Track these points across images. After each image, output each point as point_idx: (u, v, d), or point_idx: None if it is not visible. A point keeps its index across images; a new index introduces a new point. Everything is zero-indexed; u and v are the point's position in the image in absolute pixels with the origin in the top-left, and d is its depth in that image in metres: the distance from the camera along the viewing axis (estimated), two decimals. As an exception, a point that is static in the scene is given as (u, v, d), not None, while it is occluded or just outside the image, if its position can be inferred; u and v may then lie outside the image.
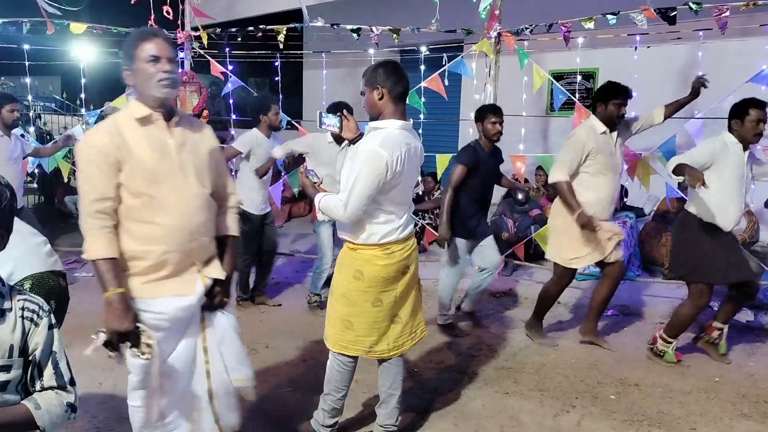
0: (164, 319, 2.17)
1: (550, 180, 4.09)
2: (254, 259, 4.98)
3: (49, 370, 1.69)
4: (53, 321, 1.72)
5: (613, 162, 4.02)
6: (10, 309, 1.66)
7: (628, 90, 4.00)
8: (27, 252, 2.20)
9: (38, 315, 1.68)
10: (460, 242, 4.39)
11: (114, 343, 2.09)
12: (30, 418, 1.60)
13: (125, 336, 2.08)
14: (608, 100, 3.95)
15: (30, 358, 1.67)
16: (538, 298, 4.37)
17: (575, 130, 4.22)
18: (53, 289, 2.26)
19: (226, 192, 2.40)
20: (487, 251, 4.43)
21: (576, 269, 4.19)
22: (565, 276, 4.19)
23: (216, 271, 2.28)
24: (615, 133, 4.03)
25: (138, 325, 2.10)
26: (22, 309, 1.67)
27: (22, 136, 5.24)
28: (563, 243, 4.12)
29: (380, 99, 2.64)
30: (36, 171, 6.54)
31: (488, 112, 4.33)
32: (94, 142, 2.07)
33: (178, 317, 2.20)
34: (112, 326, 2.07)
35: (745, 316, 4.87)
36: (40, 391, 1.68)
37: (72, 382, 1.74)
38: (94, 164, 2.05)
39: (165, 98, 2.12)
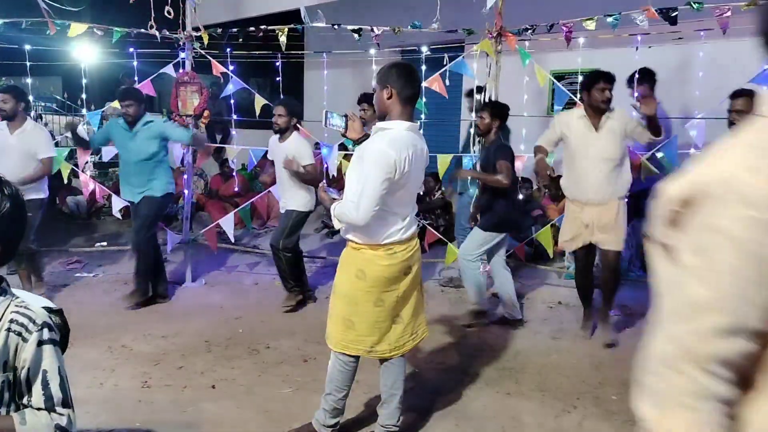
0: None
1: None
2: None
3: (37, 390, 1.57)
4: (46, 336, 1.58)
5: (589, 147, 4.10)
6: None
7: (610, 74, 4.12)
8: None
9: (27, 329, 1.55)
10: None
11: None
12: (13, 431, 1.53)
13: None
14: (591, 87, 4.06)
15: (17, 375, 1.56)
16: None
17: None
18: None
19: None
20: None
21: (582, 254, 4.32)
22: (577, 260, 4.43)
23: None
24: (605, 120, 4.08)
25: None
26: (11, 322, 1.55)
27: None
28: (563, 226, 4.40)
29: (389, 99, 2.64)
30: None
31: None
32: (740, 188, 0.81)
33: None
34: None
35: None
36: (30, 408, 1.59)
37: (65, 404, 1.62)
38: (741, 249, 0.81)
39: None
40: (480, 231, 4.57)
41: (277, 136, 4.92)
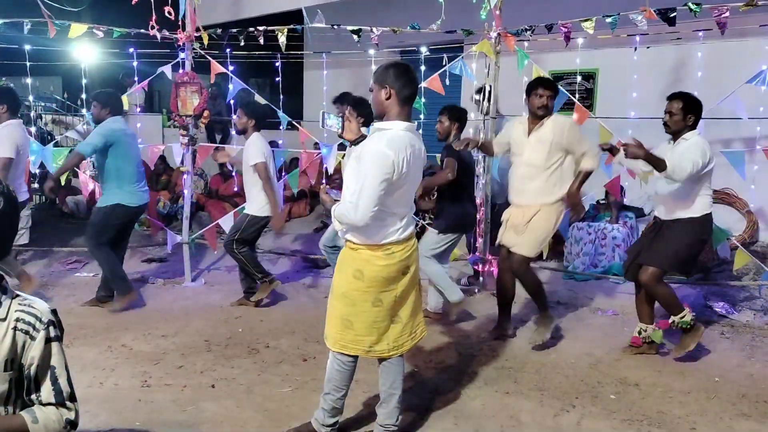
0: None
1: None
2: None
3: (47, 386, 1.61)
4: (53, 334, 1.62)
5: (521, 151, 4.15)
6: (3, 319, 1.58)
7: (549, 81, 4.17)
8: None
9: (34, 328, 1.59)
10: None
11: None
12: (25, 430, 1.56)
13: None
14: (529, 93, 4.11)
15: (25, 372, 1.60)
16: None
17: None
18: None
19: None
20: None
21: (504, 255, 4.33)
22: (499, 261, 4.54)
23: None
24: (538, 127, 4.07)
25: None
26: (17, 320, 1.58)
27: None
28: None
29: (387, 99, 2.65)
30: (38, 171, 6.56)
31: None
32: None
33: None
34: None
35: (745, 316, 4.87)
36: (38, 405, 1.62)
37: (72, 398, 1.66)
38: None
39: None
40: (435, 234, 4.58)
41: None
